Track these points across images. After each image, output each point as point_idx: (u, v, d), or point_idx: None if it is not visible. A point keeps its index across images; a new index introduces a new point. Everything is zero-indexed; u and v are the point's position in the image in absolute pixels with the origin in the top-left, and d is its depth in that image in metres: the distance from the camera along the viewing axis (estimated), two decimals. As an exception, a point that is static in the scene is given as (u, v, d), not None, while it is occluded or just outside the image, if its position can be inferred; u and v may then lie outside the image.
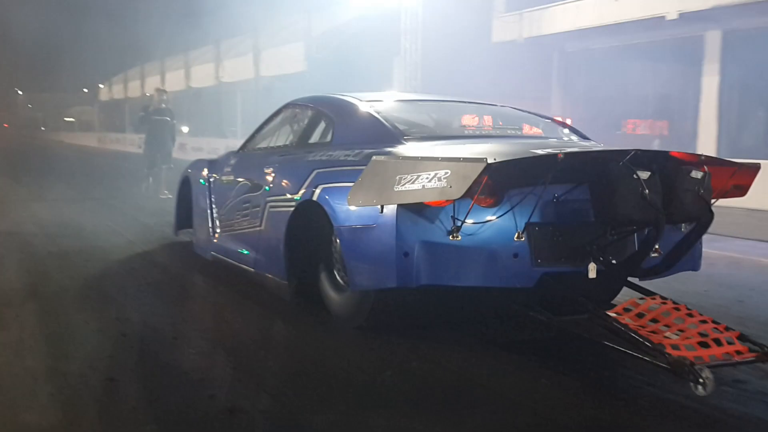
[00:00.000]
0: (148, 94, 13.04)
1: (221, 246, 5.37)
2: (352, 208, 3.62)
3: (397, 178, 3.22)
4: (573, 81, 18.11)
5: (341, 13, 24.17)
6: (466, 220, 3.34)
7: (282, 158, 4.80)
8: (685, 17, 14.14)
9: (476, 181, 3.00)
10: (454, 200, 3.21)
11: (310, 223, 4.18)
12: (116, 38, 46.61)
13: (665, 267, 3.66)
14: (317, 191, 3.99)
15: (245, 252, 4.94)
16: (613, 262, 3.54)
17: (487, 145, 3.97)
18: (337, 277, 4.16)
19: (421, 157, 3.37)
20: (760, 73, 14.00)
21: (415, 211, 3.42)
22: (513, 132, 4.52)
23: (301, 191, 4.17)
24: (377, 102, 4.65)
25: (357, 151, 3.95)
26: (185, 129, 35.38)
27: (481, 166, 2.98)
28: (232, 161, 5.61)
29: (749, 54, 14.18)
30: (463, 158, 3.16)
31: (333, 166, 4.04)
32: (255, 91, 30.06)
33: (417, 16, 17.67)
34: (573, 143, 4.40)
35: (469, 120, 4.58)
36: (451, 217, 3.37)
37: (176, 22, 34.58)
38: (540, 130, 4.62)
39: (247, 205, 4.99)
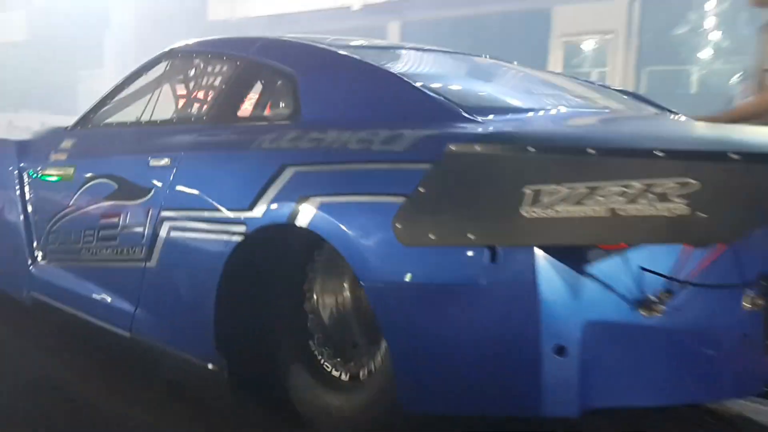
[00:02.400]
0: None
1: (49, 282, 3.37)
2: (407, 248, 1.93)
3: (527, 192, 1.73)
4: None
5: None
6: (678, 278, 1.82)
7: (191, 140, 2.83)
8: (368, 8, 15.62)
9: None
10: (726, 244, 1.83)
11: (272, 268, 2.45)
12: None
13: None
14: (305, 207, 2.15)
15: (109, 301, 3.01)
16: None
17: (647, 127, 2.53)
18: (322, 362, 2.41)
19: (600, 150, 1.73)
20: (432, 61, 15.89)
21: (569, 258, 1.80)
22: (607, 103, 2.92)
23: (259, 207, 2.30)
24: (356, 49, 2.95)
25: (384, 133, 2.13)
26: None
27: None
28: (67, 144, 3.49)
29: (423, 42, 16.00)
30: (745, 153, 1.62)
31: (331, 161, 2.22)
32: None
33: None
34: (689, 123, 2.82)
35: (539, 84, 3.07)
36: (642, 270, 1.82)
37: None
38: (626, 102, 3.13)
39: (114, 221, 3.02)
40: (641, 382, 1.87)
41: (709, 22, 12.53)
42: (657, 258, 1.80)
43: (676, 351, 1.89)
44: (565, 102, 2.71)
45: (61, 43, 21.73)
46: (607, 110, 2.76)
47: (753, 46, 3.28)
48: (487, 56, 3.38)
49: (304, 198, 2.15)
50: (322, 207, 2.11)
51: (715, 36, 12.50)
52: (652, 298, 1.79)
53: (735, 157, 1.60)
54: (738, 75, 8.78)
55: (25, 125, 19.87)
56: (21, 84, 22.67)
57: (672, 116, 2.92)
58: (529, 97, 2.81)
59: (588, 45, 13.80)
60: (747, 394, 2.19)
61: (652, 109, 3.04)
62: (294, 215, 2.16)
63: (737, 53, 12.15)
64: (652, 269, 1.79)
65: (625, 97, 3.19)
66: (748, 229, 1.65)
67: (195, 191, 2.64)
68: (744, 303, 1.90)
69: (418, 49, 3.20)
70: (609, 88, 3.44)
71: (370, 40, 3.37)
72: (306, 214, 2.13)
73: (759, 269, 1.92)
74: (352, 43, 3.11)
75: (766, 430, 2.53)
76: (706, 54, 12.58)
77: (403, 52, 3.17)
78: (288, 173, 2.26)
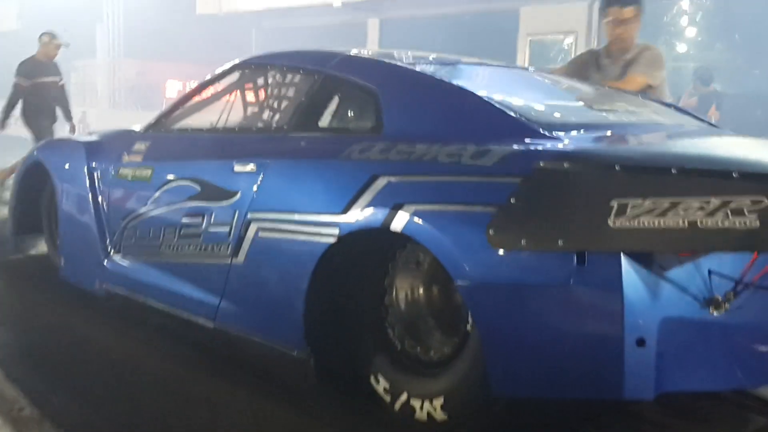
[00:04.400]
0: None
1: (125, 275, 3.60)
2: (500, 251, 2.15)
3: (614, 205, 1.95)
4: (270, 54, 19.92)
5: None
6: (742, 280, 2.06)
7: (276, 148, 3.03)
8: (348, 6, 16.45)
9: None
10: None
11: (359, 266, 2.70)
12: None
13: None
14: (400, 214, 2.38)
15: (192, 294, 3.21)
16: None
17: (713, 143, 2.75)
18: (401, 350, 2.68)
19: (681, 170, 1.97)
20: (410, 56, 16.75)
21: (649, 263, 2.03)
22: (661, 118, 3.20)
23: (352, 212, 2.53)
24: (428, 65, 3.18)
25: (472, 148, 2.37)
26: None
27: None
28: (140, 146, 3.73)
29: (402, 39, 16.85)
30: None
31: (423, 173, 2.44)
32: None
33: (118, -16, 18.46)
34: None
35: (597, 98, 3.35)
36: (710, 273, 2.06)
37: None
38: (674, 115, 3.39)
39: (197, 220, 3.21)
40: (707, 369, 2.08)
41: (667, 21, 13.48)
42: (724, 263, 2.03)
43: (739, 344, 2.11)
44: (625, 117, 3.05)
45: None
46: (666, 125, 3.03)
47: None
48: (534, 69, 3.73)
49: (398, 205, 2.38)
50: (417, 214, 2.33)
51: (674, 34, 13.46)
52: (719, 297, 2.02)
53: None
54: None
55: (16, 114, 20.41)
56: (12, 73, 23.20)
57: (716, 130, 3.25)
58: (595, 113, 3.07)
59: (552, 44, 14.72)
60: None
61: (698, 123, 3.32)
62: (389, 221, 2.39)
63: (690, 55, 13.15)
64: (720, 273, 2.03)
65: (671, 109, 3.50)
66: None
67: (285, 196, 2.85)
68: None
69: (478, 64, 3.52)
70: (653, 101, 3.62)
71: (438, 56, 3.55)
72: (400, 219, 2.36)
73: None
74: (424, 59, 3.31)
75: None
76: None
77: (466, 66, 3.45)
78: (381, 182, 2.47)
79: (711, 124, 3.35)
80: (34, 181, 4.43)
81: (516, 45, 14.68)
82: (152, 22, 18.92)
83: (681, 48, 13.40)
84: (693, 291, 2.05)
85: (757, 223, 1.82)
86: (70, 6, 21.04)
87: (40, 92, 8.17)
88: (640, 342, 1.99)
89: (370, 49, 3.36)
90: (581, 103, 3.25)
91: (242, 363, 3.14)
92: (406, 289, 2.69)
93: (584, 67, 4.35)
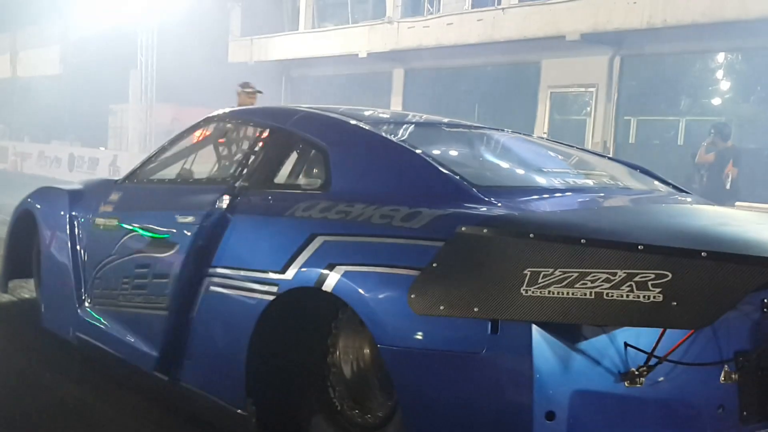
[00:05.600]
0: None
1: (95, 325, 3.59)
2: (420, 316, 2.11)
3: (527, 273, 1.94)
4: (298, 101, 20.26)
5: (96, 23, 24.79)
6: (658, 354, 1.99)
7: (226, 202, 3.04)
8: (372, 56, 16.78)
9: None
10: (691, 329, 1.99)
11: (300, 324, 2.68)
12: None
13: None
14: (331, 274, 2.39)
15: (145, 345, 3.19)
16: None
17: (658, 211, 2.77)
18: (341, 411, 2.66)
19: (590, 241, 1.96)
20: (432, 103, 16.92)
21: (561, 333, 1.99)
22: (613, 181, 3.19)
23: (291, 270, 2.55)
24: (386, 124, 3.21)
25: (404, 210, 2.40)
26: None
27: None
28: (114, 196, 3.79)
29: (425, 88, 17.11)
30: (712, 253, 1.84)
31: (356, 233, 2.46)
32: (10, 91, 29.66)
33: (152, 34, 19.05)
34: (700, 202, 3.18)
35: (549, 160, 3.35)
36: (626, 346, 2.01)
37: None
38: (632, 178, 3.38)
39: (151, 271, 3.25)
40: None
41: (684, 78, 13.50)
42: (641, 336, 1.97)
43: (656, 419, 2.05)
44: (575, 180, 3.01)
45: (92, 77, 23.05)
46: (609, 191, 2.98)
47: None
48: (509, 131, 3.72)
49: (330, 265, 2.38)
50: (346, 275, 2.33)
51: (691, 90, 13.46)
52: (635, 371, 1.97)
53: (704, 254, 1.81)
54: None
55: (54, 155, 21.18)
56: (53, 116, 24.01)
57: (676, 195, 3.18)
58: (543, 176, 3.01)
59: (574, 96, 14.81)
60: None
61: (658, 186, 3.30)
62: (321, 280, 2.39)
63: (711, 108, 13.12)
64: (635, 345, 1.96)
65: (636, 172, 3.46)
66: (715, 317, 1.78)
67: (227, 250, 2.87)
68: (721, 377, 2.10)
69: (446, 125, 3.54)
70: (621, 162, 3.64)
71: (403, 114, 3.53)
72: (332, 279, 2.36)
73: (735, 347, 2.13)
74: (384, 117, 3.40)
75: None
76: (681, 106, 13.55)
77: (432, 126, 3.51)
78: (318, 241, 2.50)
79: (680, 189, 3.36)
80: (26, 227, 4.43)
81: (537, 97, 14.80)
82: (185, 69, 19.44)
83: (710, 102, 13.36)
84: (607, 363, 2.00)
85: (661, 298, 1.78)
86: (107, 52, 21.82)
87: None
88: (550, 415, 1.93)
89: (338, 107, 3.43)
90: (539, 166, 3.24)
91: (190, 416, 3.15)
92: (347, 350, 2.67)
93: None
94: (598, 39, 13.16)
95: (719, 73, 13.37)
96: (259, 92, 8.20)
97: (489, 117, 14.46)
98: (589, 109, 14.28)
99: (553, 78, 14.59)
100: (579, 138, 13.65)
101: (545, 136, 13.81)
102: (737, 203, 8.32)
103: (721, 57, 13.21)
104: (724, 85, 13.29)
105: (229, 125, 3.68)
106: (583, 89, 14.34)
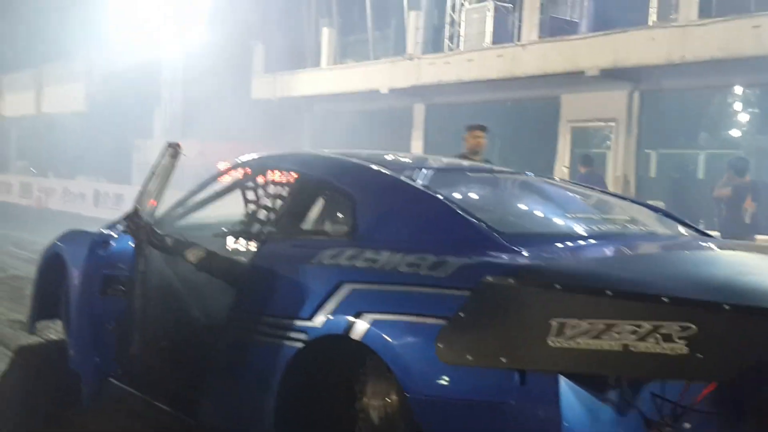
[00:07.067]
0: None
1: (122, 368, 3.59)
2: (448, 366, 2.18)
3: (553, 324, 1.96)
4: (321, 137, 20.54)
5: (121, 60, 25.32)
6: (684, 404, 2.03)
7: (254, 249, 3.11)
8: (395, 92, 17.08)
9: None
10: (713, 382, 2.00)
11: (329, 370, 2.71)
12: None
13: None
14: (359, 323, 2.44)
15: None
16: None
17: (693, 259, 2.73)
18: None
19: (616, 292, 1.98)
20: (453, 138, 17.14)
21: (588, 383, 2.01)
22: (637, 226, 3.24)
23: (319, 317, 2.60)
24: (410, 170, 3.17)
25: (431, 258, 2.42)
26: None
27: None
28: None
29: (446, 123, 17.36)
30: (736, 305, 1.86)
31: (384, 281, 2.50)
32: (35, 128, 30.25)
33: (176, 71, 19.51)
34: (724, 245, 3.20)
35: (572, 205, 3.34)
36: (653, 396, 2.05)
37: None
38: (655, 222, 3.42)
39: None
40: None
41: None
42: (667, 384, 1.98)
43: None
44: (599, 226, 3.00)
45: (116, 114, 23.50)
46: (633, 237, 2.98)
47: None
48: (531, 174, 3.70)
49: (358, 313, 2.42)
50: (374, 323, 2.36)
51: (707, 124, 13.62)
52: (662, 420, 1.99)
53: (727, 308, 1.80)
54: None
55: (79, 191, 21.43)
56: (78, 152, 24.41)
57: (699, 240, 3.14)
58: (567, 222, 3.02)
59: (594, 131, 14.99)
60: None
61: (681, 230, 3.29)
62: (349, 328, 2.43)
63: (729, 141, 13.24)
64: (662, 395, 1.98)
65: (659, 215, 3.49)
66: (740, 370, 1.77)
67: (259, 296, 2.90)
68: (746, 427, 2.11)
69: (469, 169, 3.58)
70: (644, 205, 3.69)
71: (425, 158, 3.56)
72: (360, 327, 2.40)
73: (760, 396, 2.07)
74: (407, 162, 3.43)
75: None
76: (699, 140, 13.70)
77: (456, 171, 3.53)
78: (345, 289, 2.53)
79: (703, 233, 3.37)
80: (54, 269, 4.46)
81: (557, 131, 14.99)
82: (209, 105, 19.81)
83: (730, 135, 13.48)
84: (634, 414, 2.01)
85: (686, 350, 1.78)
86: (132, 89, 22.27)
87: None
88: None
89: (364, 151, 3.59)
90: (563, 211, 3.24)
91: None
92: (375, 396, 2.65)
93: None
94: (618, 74, 13.36)
95: (738, 107, 13.53)
96: (485, 130, 6.79)
97: (509, 151, 14.70)
98: (609, 142, 14.45)
99: (573, 113, 14.80)
100: (600, 171, 13.80)
101: (566, 168, 14.01)
102: (757, 237, 8.38)
103: (739, 91, 13.36)
104: (743, 118, 13.43)
105: (256, 171, 3.65)
106: (603, 123, 14.53)
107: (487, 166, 3.95)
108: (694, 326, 1.81)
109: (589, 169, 10.35)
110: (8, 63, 31.43)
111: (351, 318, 2.46)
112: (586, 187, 3.87)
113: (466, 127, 6.89)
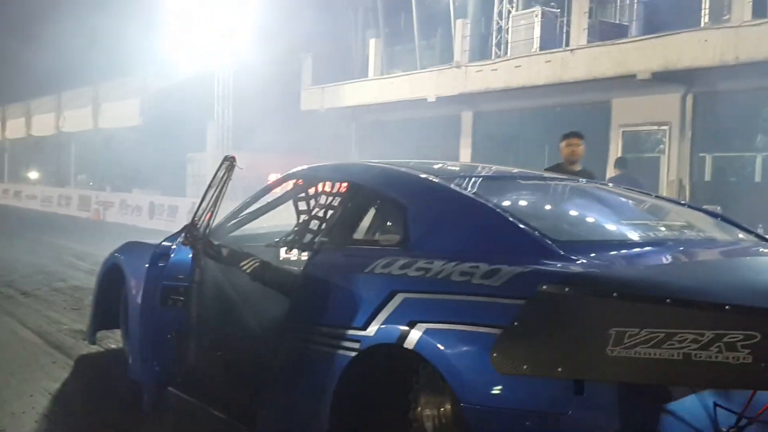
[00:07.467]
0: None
1: (181, 376, 3.61)
2: (502, 374, 2.16)
3: (612, 333, 1.91)
4: (368, 146, 20.67)
5: (174, 75, 25.93)
6: (748, 414, 2.01)
7: (306, 259, 3.20)
8: (441, 100, 17.10)
9: None
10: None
11: (382, 379, 2.72)
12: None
13: None
14: (413, 332, 2.44)
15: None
16: None
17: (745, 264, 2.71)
18: None
19: (676, 300, 1.94)
20: (501, 145, 17.09)
21: (648, 394, 2.03)
22: (694, 232, 3.17)
23: (372, 326, 2.61)
24: (461, 179, 3.20)
25: (484, 267, 2.41)
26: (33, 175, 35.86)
27: None
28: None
29: (494, 130, 17.30)
30: None
31: (437, 290, 2.50)
32: (92, 142, 31.19)
33: (228, 85, 19.88)
34: None
35: (627, 211, 3.33)
36: (716, 406, 2.05)
37: (17, 71, 35.03)
38: (714, 228, 3.36)
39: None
40: None
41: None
42: (730, 394, 1.95)
43: None
44: (655, 233, 2.96)
45: (170, 128, 24.07)
46: (692, 244, 2.91)
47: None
48: (583, 180, 3.69)
49: (412, 323, 2.42)
50: (427, 332, 2.35)
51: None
52: (724, 431, 1.95)
53: None
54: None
55: (135, 204, 22.00)
56: (134, 165, 25.05)
57: (759, 246, 3.06)
58: (621, 228, 2.96)
59: (646, 134, 14.75)
60: None
61: (741, 236, 3.20)
62: (403, 337, 2.43)
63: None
64: (725, 406, 1.94)
65: (717, 221, 3.43)
66: None
67: (313, 305, 2.94)
68: None
69: (520, 176, 3.54)
70: (701, 210, 3.59)
71: (475, 167, 3.58)
72: (413, 337, 2.40)
73: None
74: (457, 171, 3.43)
75: None
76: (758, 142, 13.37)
77: (507, 179, 3.48)
78: (398, 299, 2.53)
79: (763, 238, 3.23)
80: (113, 279, 4.53)
81: (609, 136, 14.79)
82: (260, 118, 20.13)
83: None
84: (696, 424, 1.98)
85: (750, 359, 1.72)
86: (185, 103, 22.80)
87: None
88: None
89: (410, 160, 3.60)
90: (617, 217, 3.19)
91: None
92: (429, 405, 2.64)
93: None
94: (670, 77, 13.14)
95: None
96: (581, 137, 6.44)
97: (560, 157, 14.51)
98: (662, 146, 14.20)
99: (625, 117, 14.58)
100: (653, 175, 13.57)
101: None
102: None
103: (796, 91, 13.03)
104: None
105: (307, 182, 3.69)
106: (655, 127, 14.28)
107: (537, 172, 3.78)
108: (758, 335, 1.75)
109: (622, 172, 9.99)
110: (68, 81, 32.53)
111: (404, 327, 2.46)
112: (643, 192, 3.79)
113: (561, 136, 6.52)
